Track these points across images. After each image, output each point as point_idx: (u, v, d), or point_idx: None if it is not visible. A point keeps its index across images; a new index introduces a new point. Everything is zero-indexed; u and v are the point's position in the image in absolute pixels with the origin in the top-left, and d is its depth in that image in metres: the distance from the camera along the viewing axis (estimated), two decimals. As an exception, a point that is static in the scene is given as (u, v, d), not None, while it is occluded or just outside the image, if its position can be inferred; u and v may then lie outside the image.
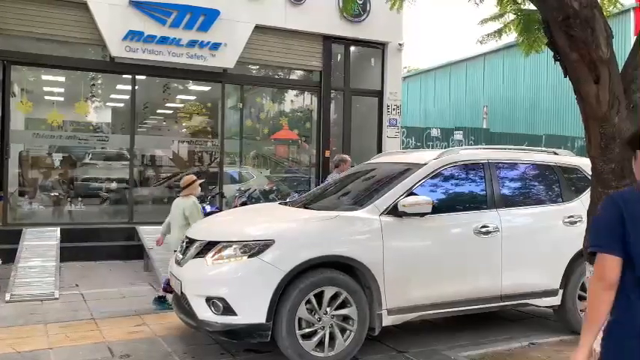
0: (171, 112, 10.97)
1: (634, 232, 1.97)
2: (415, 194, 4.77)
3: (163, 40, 8.88)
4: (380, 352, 4.77)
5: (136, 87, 9.40)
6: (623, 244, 1.98)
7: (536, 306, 5.25)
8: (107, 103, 10.46)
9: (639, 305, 1.97)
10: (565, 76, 3.84)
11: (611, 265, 2.00)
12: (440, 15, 63.29)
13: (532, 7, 5.02)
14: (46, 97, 9.78)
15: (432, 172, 4.98)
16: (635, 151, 2.15)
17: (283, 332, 4.16)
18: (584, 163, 5.43)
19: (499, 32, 6.61)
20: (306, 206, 5.34)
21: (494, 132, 16.79)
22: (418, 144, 14.78)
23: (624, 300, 2.01)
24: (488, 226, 4.92)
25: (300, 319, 4.23)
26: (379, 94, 11.07)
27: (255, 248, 4.24)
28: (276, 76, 10.88)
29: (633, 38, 4.14)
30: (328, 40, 10.46)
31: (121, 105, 10.20)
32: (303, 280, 4.23)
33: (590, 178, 4.24)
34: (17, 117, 9.03)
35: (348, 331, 4.39)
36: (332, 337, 4.33)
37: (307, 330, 4.26)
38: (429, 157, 5.16)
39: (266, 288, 4.14)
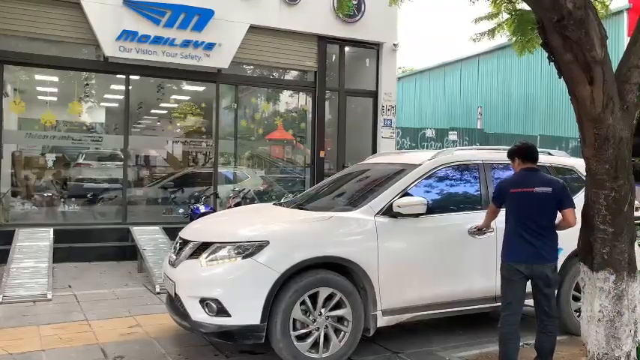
0: (165, 112, 10.92)
1: (505, 197, 4.23)
2: (410, 195, 4.77)
3: (157, 40, 8.84)
4: (375, 352, 4.76)
5: (130, 87, 9.36)
6: (502, 202, 4.28)
7: (531, 306, 5.24)
8: (101, 103, 10.41)
9: (511, 223, 4.14)
10: (559, 77, 3.85)
11: (491, 208, 4.49)
12: (434, 16, 63.41)
13: (526, 6, 5.04)
14: (40, 97, 9.71)
15: (427, 172, 4.99)
16: (512, 159, 4.37)
17: (278, 333, 4.15)
18: (579, 164, 5.45)
19: (493, 31, 6.63)
20: (300, 207, 5.33)
21: (488, 132, 16.82)
22: (413, 144, 14.79)
23: (508, 224, 4.17)
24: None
25: (294, 320, 4.21)
26: (374, 95, 11.07)
27: (249, 249, 4.23)
28: (271, 77, 10.85)
29: (627, 39, 4.15)
30: (323, 40, 10.45)
31: (115, 105, 10.15)
32: (297, 281, 4.22)
33: (584, 178, 4.26)
34: (10, 117, 8.97)
35: (342, 332, 4.39)
36: (327, 338, 4.32)
37: (302, 331, 4.25)
38: (423, 158, 5.16)
39: (260, 289, 4.12)
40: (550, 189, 4.05)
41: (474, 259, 4.92)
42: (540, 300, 4.16)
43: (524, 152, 4.27)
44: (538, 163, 5.59)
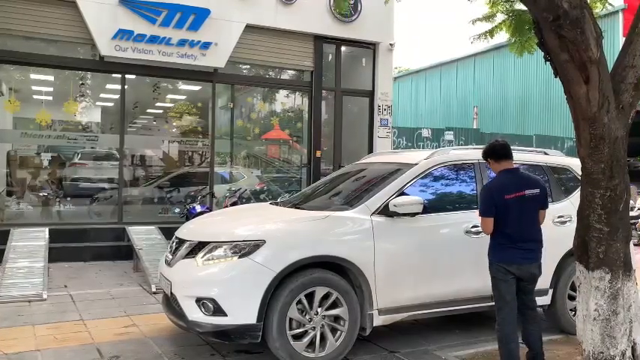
0: (161, 111, 10.90)
1: (498, 205, 3.97)
2: (406, 194, 4.77)
3: (153, 40, 8.83)
4: (371, 352, 4.76)
5: (126, 86, 9.33)
6: (495, 210, 3.97)
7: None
8: (96, 103, 10.37)
9: (501, 226, 3.99)
10: (555, 77, 3.86)
11: (490, 222, 4.02)
12: (431, 16, 63.50)
13: (523, 7, 5.05)
14: (35, 97, 9.68)
15: (423, 172, 4.99)
16: (486, 160, 4.24)
17: (274, 333, 4.14)
18: (574, 163, 5.46)
19: (490, 32, 6.64)
20: (297, 206, 5.32)
21: (484, 132, 16.87)
22: (409, 144, 14.82)
23: (497, 227, 4.00)
24: (478, 226, 4.91)
25: (291, 320, 4.21)
26: (370, 95, 11.08)
27: (245, 249, 4.22)
28: (267, 76, 10.84)
29: (622, 39, 4.17)
30: (319, 40, 10.45)
31: (111, 104, 10.12)
32: (293, 281, 4.22)
33: (580, 178, 4.26)
34: (5, 116, 8.95)
35: (339, 332, 4.39)
36: (323, 338, 4.32)
37: (298, 330, 4.25)
38: (419, 158, 5.16)
39: (257, 288, 4.12)
40: (537, 190, 4.10)
41: (469, 258, 4.91)
42: (523, 296, 4.17)
43: (496, 151, 4.16)
44: (531, 163, 5.64)
